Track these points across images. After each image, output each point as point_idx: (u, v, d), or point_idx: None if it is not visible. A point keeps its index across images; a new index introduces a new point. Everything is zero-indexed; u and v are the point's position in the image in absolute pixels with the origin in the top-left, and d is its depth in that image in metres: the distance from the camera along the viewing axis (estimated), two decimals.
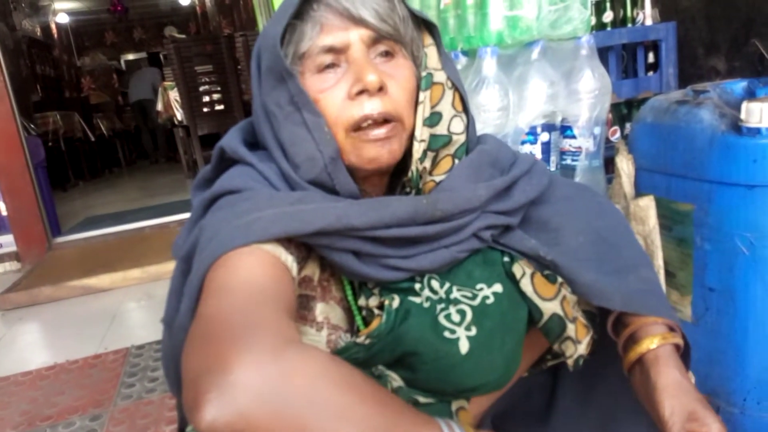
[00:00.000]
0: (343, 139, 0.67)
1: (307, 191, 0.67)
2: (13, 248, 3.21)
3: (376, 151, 0.68)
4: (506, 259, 0.75)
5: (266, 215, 0.62)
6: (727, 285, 0.92)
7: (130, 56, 11.59)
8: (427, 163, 0.72)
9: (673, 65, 1.44)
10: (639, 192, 1.05)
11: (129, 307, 2.27)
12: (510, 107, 1.14)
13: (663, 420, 0.61)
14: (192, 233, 0.68)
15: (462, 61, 1.20)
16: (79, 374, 1.71)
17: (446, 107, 0.73)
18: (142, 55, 11.21)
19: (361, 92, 0.65)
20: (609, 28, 1.55)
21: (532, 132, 1.18)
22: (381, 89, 0.66)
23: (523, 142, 1.19)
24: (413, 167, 0.71)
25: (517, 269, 0.74)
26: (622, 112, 1.53)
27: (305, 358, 0.48)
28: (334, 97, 0.66)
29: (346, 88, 0.66)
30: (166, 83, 5.05)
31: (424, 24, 0.73)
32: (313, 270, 0.72)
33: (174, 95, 4.85)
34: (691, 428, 0.60)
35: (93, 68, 10.87)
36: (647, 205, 0.99)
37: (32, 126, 5.11)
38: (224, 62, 4.59)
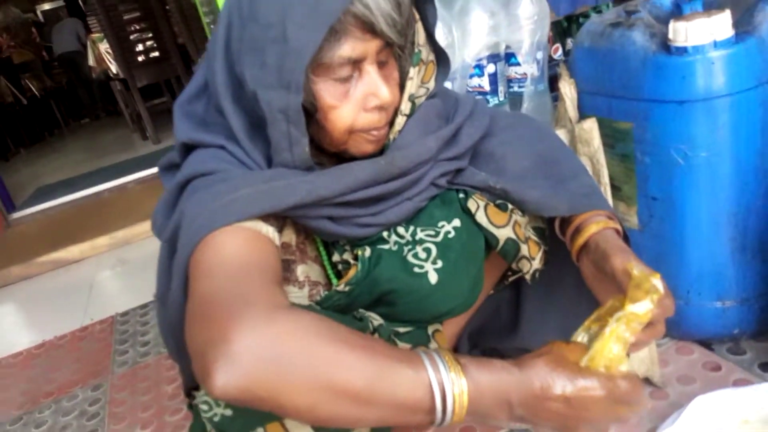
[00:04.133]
0: (344, 136, 0.72)
1: (277, 170, 0.71)
2: None
3: (373, 146, 0.75)
4: (461, 195, 0.83)
5: (242, 195, 0.67)
6: (667, 193, 1.01)
7: (47, 6, 10.80)
8: None
9: None
10: (583, 114, 1.11)
11: (104, 275, 2.29)
12: (455, 43, 1.17)
13: (615, 269, 0.67)
14: (173, 217, 0.72)
15: None
16: (70, 348, 1.75)
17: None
18: (60, 3, 10.45)
19: (374, 107, 0.71)
20: None
21: (479, 65, 1.21)
22: None
23: (471, 76, 1.22)
24: (391, 136, 0.76)
25: (472, 204, 0.82)
26: (563, 26, 1.57)
27: (295, 319, 0.55)
28: (350, 108, 0.70)
29: (360, 99, 0.70)
30: (94, 35, 4.80)
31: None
32: (290, 236, 0.78)
33: (105, 47, 4.63)
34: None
35: (7, 23, 10.12)
36: (591, 127, 1.05)
37: None
38: (152, 6, 4.37)
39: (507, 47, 1.24)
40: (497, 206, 0.83)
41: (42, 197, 3.55)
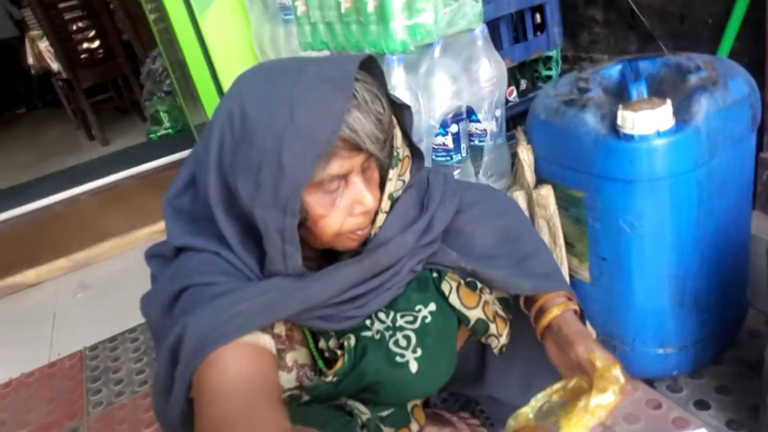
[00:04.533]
0: (332, 239, 0.79)
1: (271, 280, 0.77)
2: None
3: (356, 243, 0.82)
4: (435, 275, 0.91)
5: (242, 310, 0.73)
6: (615, 255, 1.12)
7: None
8: None
9: (557, 24, 1.56)
10: (539, 176, 1.20)
11: (66, 302, 2.27)
12: (421, 109, 1.23)
13: (580, 356, 0.77)
14: (174, 329, 0.77)
15: None
16: (40, 387, 1.76)
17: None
18: None
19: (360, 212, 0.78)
20: None
21: (443, 125, 1.28)
22: None
23: (436, 134, 1.30)
24: (372, 232, 0.83)
25: (445, 285, 0.91)
26: (516, 72, 1.66)
27: None
28: (337, 216, 0.77)
29: (346, 207, 0.77)
30: (33, 33, 4.59)
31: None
32: (280, 327, 0.85)
33: (44, 45, 4.44)
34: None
35: None
36: (547, 194, 1.15)
37: None
38: (94, 4, 4.22)
39: (468, 106, 1.32)
40: (467, 285, 0.92)
41: None
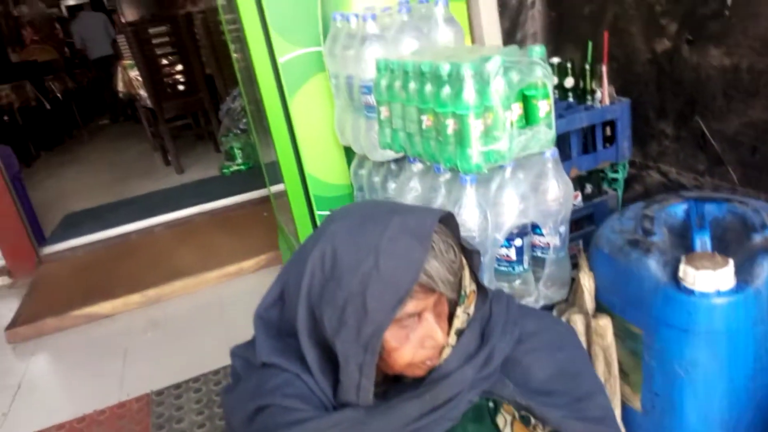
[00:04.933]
0: (405, 368, 0.87)
1: (343, 411, 0.86)
2: (2, 263, 3.30)
3: (423, 372, 0.89)
4: (491, 405, 0.97)
5: None
6: (668, 393, 1.15)
7: (71, 1, 10.96)
8: None
9: (627, 138, 1.61)
10: (599, 302, 1.25)
11: (137, 339, 2.43)
12: (488, 226, 1.30)
13: None
14: None
15: (446, 176, 1.35)
16: (110, 427, 1.90)
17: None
18: None
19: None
20: (570, 98, 1.70)
21: (508, 238, 1.35)
22: None
23: (500, 246, 1.36)
24: (437, 363, 0.90)
25: (500, 419, 0.96)
26: (582, 179, 1.71)
27: None
28: (410, 348, 0.85)
29: (418, 341, 0.84)
30: (125, 62, 4.93)
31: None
32: None
33: (134, 74, 4.76)
34: None
35: (32, 17, 10.29)
36: (605, 325, 1.19)
37: None
38: (184, 41, 4.51)
39: (533, 222, 1.38)
40: (522, 419, 0.98)
41: (70, 230, 3.69)
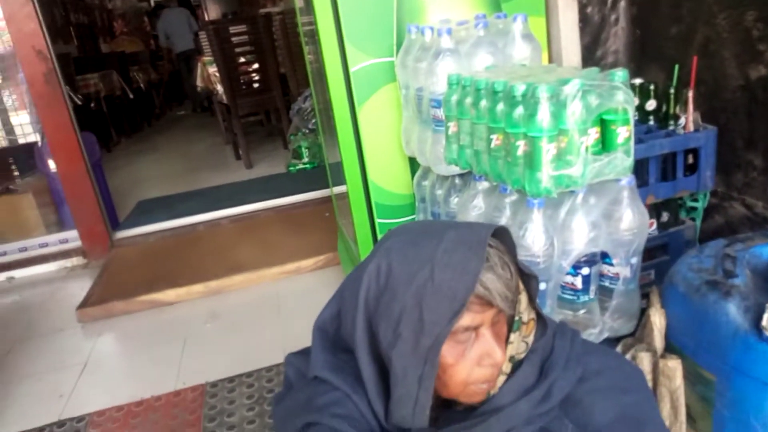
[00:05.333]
0: (459, 388, 0.84)
1: None
2: (79, 244, 3.48)
3: (481, 397, 0.86)
4: None
5: None
6: None
7: None
8: None
9: (711, 167, 1.52)
10: (669, 342, 1.18)
11: (196, 329, 2.50)
12: (554, 252, 1.26)
13: None
14: None
15: (512, 197, 1.31)
16: (165, 413, 1.96)
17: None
18: None
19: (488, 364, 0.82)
20: (651, 121, 1.61)
21: (575, 266, 1.30)
22: None
23: (567, 273, 1.31)
24: (491, 391, 0.87)
25: None
26: (659, 206, 1.62)
27: None
28: (466, 366, 0.82)
29: (476, 358, 0.82)
30: (205, 59, 5.11)
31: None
32: None
33: (213, 70, 4.92)
34: None
35: (124, 11, 10.86)
36: (675, 367, 1.12)
37: (78, 96, 5.26)
38: (262, 41, 4.62)
39: (603, 251, 1.32)
40: None
41: (142, 217, 3.85)
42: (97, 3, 9.81)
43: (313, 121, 4.20)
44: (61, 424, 1.97)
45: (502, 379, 0.88)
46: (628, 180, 1.27)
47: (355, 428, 0.86)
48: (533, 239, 1.24)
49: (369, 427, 0.87)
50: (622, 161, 1.24)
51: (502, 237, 0.86)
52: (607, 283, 1.35)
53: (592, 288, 1.33)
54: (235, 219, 3.56)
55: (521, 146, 1.22)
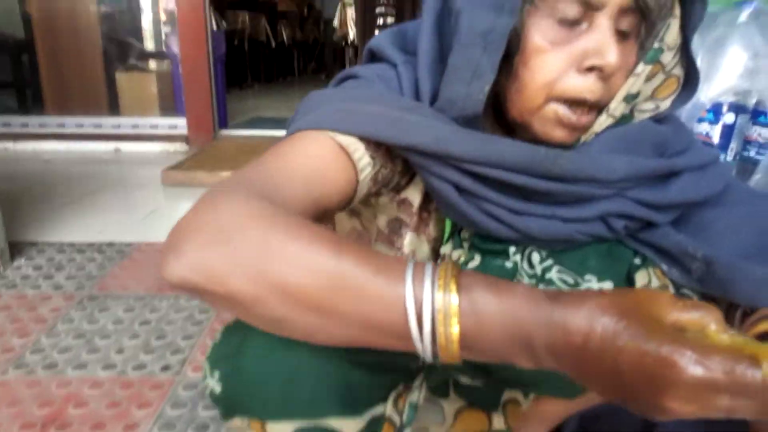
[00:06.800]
0: (537, 97, 0.58)
1: (422, 105, 0.62)
2: (185, 131, 3.54)
3: (566, 135, 0.60)
4: (637, 261, 0.65)
5: (366, 110, 0.59)
6: None
7: None
8: None
9: None
10: None
11: None
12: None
13: None
14: (306, 97, 0.66)
15: None
16: None
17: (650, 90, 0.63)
18: None
19: (592, 68, 0.56)
20: None
21: (715, 110, 1.00)
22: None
23: (700, 120, 1.01)
24: (583, 137, 0.62)
25: (642, 276, 0.64)
26: None
27: (260, 209, 0.45)
28: (559, 60, 0.56)
29: (576, 55, 0.56)
30: (346, 0, 5.13)
31: None
32: (414, 195, 0.68)
33: (351, 13, 4.91)
34: None
35: None
36: None
37: (223, 22, 5.49)
38: None
39: (759, 101, 1.01)
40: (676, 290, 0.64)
41: (251, 124, 3.89)
42: None
43: None
44: (110, 244, 1.93)
45: (604, 121, 0.61)
46: None
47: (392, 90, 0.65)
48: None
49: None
50: None
51: None
52: (752, 152, 1.03)
53: (733, 147, 1.02)
54: None
55: None
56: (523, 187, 0.58)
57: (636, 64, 0.60)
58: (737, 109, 1.00)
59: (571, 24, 0.56)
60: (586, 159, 0.59)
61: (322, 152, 0.56)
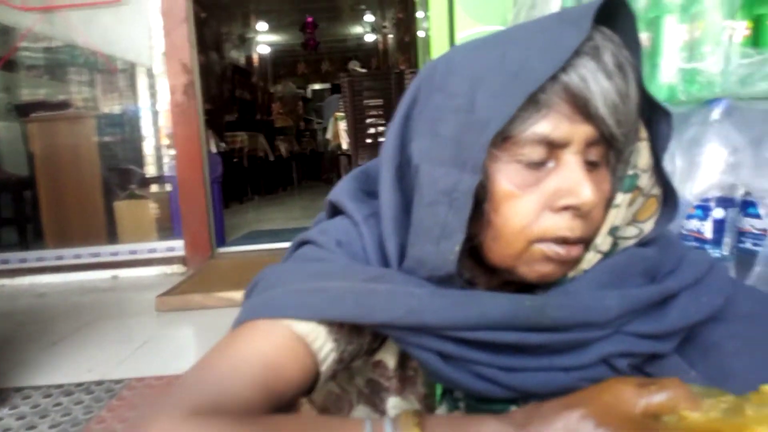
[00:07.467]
0: (518, 249, 0.54)
1: (389, 271, 0.57)
2: (182, 253, 3.53)
3: (554, 270, 0.55)
4: None
5: (327, 288, 0.54)
6: None
7: (317, 86, 12.63)
8: None
9: None
10: None
11: None
12: (676, 173, 0.95)
13: None
14: (264, 270, 0.63)
15: None
16: None
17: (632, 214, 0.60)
18: (327, 85, 12.09)
19: (567, 208, 0.53)
20: None
21: (703, 206, 0.97)
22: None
23: (689, 216, 0.98)
24: (571, 273, 0.57)
25: None
26: None
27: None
28: (531, 203, 0.53)
29: (548, 196, 0.53)
30: (338, 114, 5.33)
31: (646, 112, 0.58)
32: (388, 357, 0.62)
33: (343, 125, 5.08)
34: None
35: (283, 95, 11.97)
36: None
37: (222, 144, 5.67)
38: (392, 97, 4.71)
39: (746, 193, 0.98)
40: None
41: (249, 239, 3.89)
42: (261, 85, 10.92)
43: None
44: (99, 383, 1.84)
45: (593, 258, 0.57)
46: None
47: (344, 253, 0.61)
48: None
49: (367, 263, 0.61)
50: None
51: (624, 28, 0.55)
52: (748, 244, 0.99)
53: (727, 242, 0.98)
54: None
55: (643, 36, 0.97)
56: (514, 344, 0.53)
57: (613, 192, 0.57)
58: (725, 203, 0.97)
59: (538, 165, 0.53)
60: (576, 302, 0.54)
61: (275, 345, 0.52)
